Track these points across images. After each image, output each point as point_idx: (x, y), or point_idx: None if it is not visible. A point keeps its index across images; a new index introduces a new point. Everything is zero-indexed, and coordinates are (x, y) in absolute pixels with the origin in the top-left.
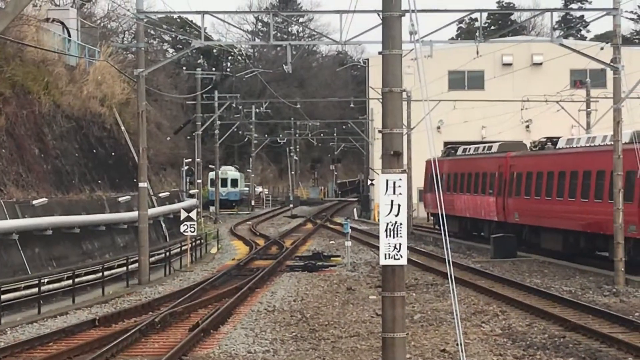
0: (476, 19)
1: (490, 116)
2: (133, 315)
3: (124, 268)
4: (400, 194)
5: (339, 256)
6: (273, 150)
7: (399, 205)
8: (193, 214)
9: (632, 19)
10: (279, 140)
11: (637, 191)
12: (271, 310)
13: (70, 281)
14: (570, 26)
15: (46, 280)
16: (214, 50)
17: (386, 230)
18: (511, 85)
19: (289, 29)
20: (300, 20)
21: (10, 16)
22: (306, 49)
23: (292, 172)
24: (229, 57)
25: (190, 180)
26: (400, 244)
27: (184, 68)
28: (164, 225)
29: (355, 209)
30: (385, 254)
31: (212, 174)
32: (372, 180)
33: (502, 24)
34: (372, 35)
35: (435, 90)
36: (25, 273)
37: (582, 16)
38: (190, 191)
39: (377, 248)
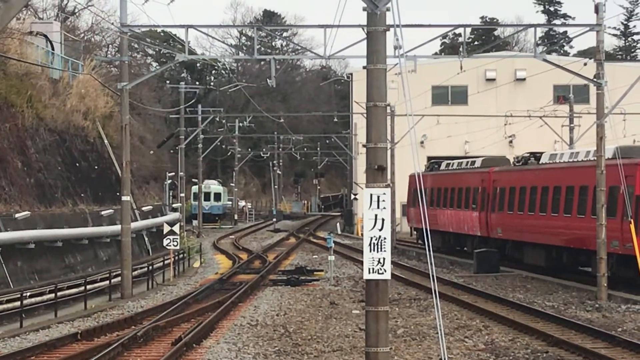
0: (460, 34)
1: (473, 131)
2: (115, 329)
3: (107, 282)
4: (384, 208)
5: (322, 270)
6: (256, 165)
7: (383, 220)
8: (176, 228)
9: (615, 35)
10: (262, 155)
11: (620, 207)
12: (254, 325)
13: (53, 295)
14: (553, 42)
15: (28, 293)
16: (198, 64)
17: (370, 244)
18: (494, 101)
19: (273, 43)
20: (284, 34)
21: None
22: (290, 63)
23: (275, 186)
24: (213, 71)
25: (173, 194)
26: (384, 259)
27: (168, 82)
28: (146, 239)
29: (338, 224)
30: (369, 268)
31: (195, 188)
32: (355, 194)
33: (486, 40)
34: (356, 49)
35: (418, 105)
36: (7, 286)
37: (565, 32)
38: (173, 205)
39: (360, 262)
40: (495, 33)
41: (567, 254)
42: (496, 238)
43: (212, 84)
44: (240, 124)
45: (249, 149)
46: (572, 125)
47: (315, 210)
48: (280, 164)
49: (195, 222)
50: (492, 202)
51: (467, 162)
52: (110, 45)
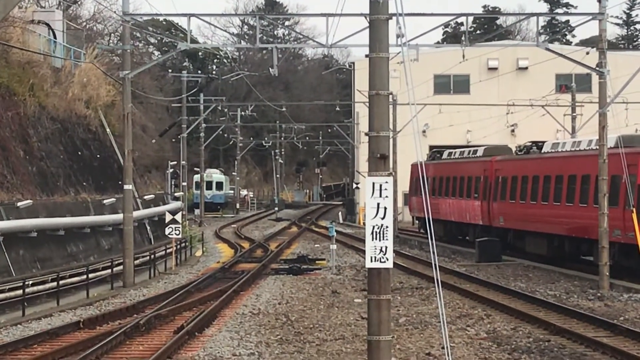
0: (462, 23)
1: (475, 120)
2: (118, 318)
3: (109, 270)
4: (386, 196)
5: (324, 259)
6: (258, 154)
7: (385, 208)
8: (178, 217)
9: (617, 24)
10: (264, 144)
11: (622, 196)
12: (256, 313)
13: (55, 283)
14: (555, 31)
15: (30, 282)
16: (200, 53)
17: (372, 233)
18: (497, 90)
19: (275, 32)
20: (286, 23)
21: (0, 14)
22: (292, 52)
23: (277, 175)
24: (215, 60)
25: (175, 183)
26: (386, 247)
27: (170, 70)
28: (148, 227)
29: (340, 213)
30: (371, 257)
31: (197, 177)
32: (357, 183)
33: (488, 28)
34: (358, 38)
35: (421, 94)
36: (9, 275)
37: (568, 21)
38: (175, 194)
39: (362, 251)
40: (498, 22)
41: (569, 243)
42: (498, 227)
43: (214, 72)
44: (242, 113)
45: (251, 138)
46: (574, 114)
47: (317, 200)
48: (282, 153)
49: (197, 211)
50: (494, 191)
51: (469, 151)
52: (112, 34)
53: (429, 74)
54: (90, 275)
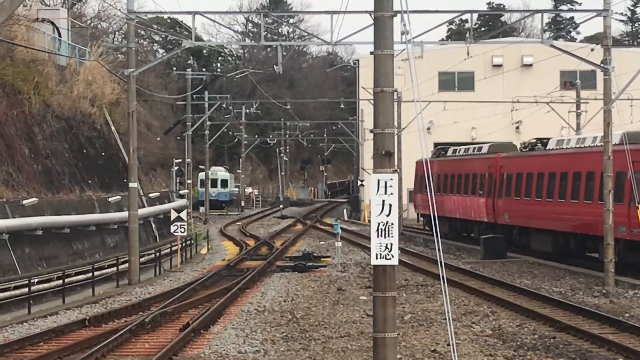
0: (466, 20)
1: (480, 117)
2: (123, 315)
3: (114, 268)
4: (391, 193)
5: (329, 257)
6: (263, 151)
7: (390, 205)
8: (183, 215)
9: (622, 21)
10: (269, 141)
11: (627, 192)
12: (261, 311)
13: (61, 281)
14: (560, 27)
15: (36, 280)
16: (204, 51)
17: (377, 230)
18: (501, 87)
19: (280, 30)
20: (291, 20)
21: (7, 11)
22: (296, 49)
23: (282, 173)
24: (219, 58)
25: (180, 181)
26: (391, 244)
27: (174, 68)
28: (154, 225)
29: (345, 210)
30: (377, 254)
31: (202, 175)
32: (362, 181)
33: (493, 25)
34: (363, 35)
35: (425, 91)
36: (15, 273)
37: (572, 17)
38: (180, 192)
39: (367, 249)
40: (502, 19)
41: (574, 239)
42: (503, 224)
43: (218, 70)
44: (247, 111)
45: (256, 136)
46: (579, 111)
47: (322, 197)
48: (287, 150)
49: (202, 209)
50: (499, 188)
51: (474, 148)
52: (117, 32)
53: (434, 71)
54: (96, 273)
